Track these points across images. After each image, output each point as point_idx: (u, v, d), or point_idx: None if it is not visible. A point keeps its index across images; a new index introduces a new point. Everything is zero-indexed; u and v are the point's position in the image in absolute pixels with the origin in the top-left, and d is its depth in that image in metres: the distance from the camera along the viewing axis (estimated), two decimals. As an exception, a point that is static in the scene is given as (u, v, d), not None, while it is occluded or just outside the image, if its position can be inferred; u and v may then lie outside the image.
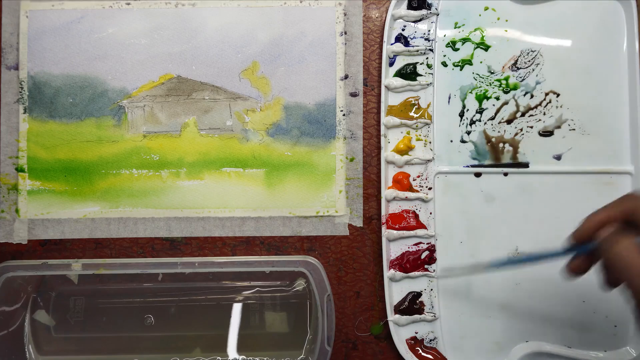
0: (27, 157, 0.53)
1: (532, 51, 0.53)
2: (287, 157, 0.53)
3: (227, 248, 0.53)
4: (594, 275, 0.53)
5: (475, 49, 0.53)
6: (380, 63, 0.53)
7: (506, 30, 0.53)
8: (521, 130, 0.53)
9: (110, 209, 0.53)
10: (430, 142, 0.53)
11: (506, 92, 0.53)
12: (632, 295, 0.36)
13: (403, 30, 0.53)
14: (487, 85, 0.53)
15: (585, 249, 0.40)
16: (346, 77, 0.53)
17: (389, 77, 0.53)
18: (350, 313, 0.53)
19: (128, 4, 0.53)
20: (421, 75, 0.53)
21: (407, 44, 0.53)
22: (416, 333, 0.52)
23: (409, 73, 0.53)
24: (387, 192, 0.52)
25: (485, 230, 0.53)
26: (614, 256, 0.37)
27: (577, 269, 0.41)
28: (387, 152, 0.52)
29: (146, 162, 0.53)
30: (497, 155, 0.53)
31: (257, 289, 0.54)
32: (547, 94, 0.53)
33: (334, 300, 0.50)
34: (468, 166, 0.53)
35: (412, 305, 0.52)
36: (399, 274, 0.52)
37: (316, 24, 0.53)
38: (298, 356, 0.53)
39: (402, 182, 0.52)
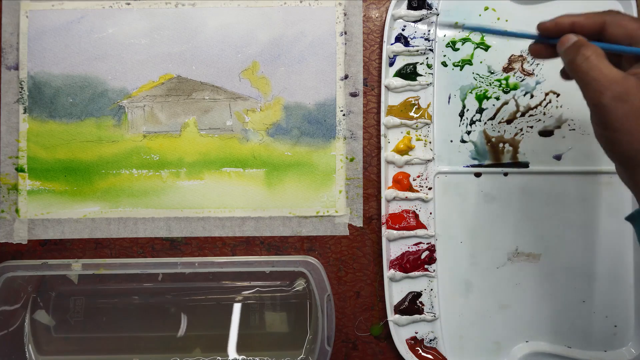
0: (27, 157, 0.53)
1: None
2: (287, 157, 0.53)
3: (227, 248, 0.53)
4: (593, 278, 0.53)
5: (475, 49, 0.53)
6: (380, 63, 0.53)
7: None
8: (521, 130, 0.53)
9: (110, 209, 0.53)
10: (430, 142, 0.53)
11: (506, 92, 0.53)
12: (592, 110, 0.37)
13: (403, 30, 0.53)
14: (487, 85, 0.53)
15: (548, 41, 0.41)
16: (346, 77, 0.53)
17: (389, 77, 0.53)
18: (350, 313, 0.53)
19: (128, 4, 0.53)
20: (421, 75, 0.53)
21: (407, 44, 0.53)
22: (416, 333, 0.52)
23: (409, 73, 0.53)
24: (387, 192, 0.52)
25: (485, 230, 0.53)
26: (576, 67, 0.38)
27: (537, 54, 0.42)
28: (387, 152, 0.52)
29: (146, 162, 0.53)
30: (497, 155, 0.53)
31: (257, 289, 0.54)
32: (547, 94, 0.53)
33: (334, 300, 0.50)
34: (468, 166, 0.53)
35: (412, 305, 0.52)
36: (399, 274, 0.52)
37: (316, 24, 0.53)
38: (298, 356, 0.53)
39: (402, 182, 0.52)
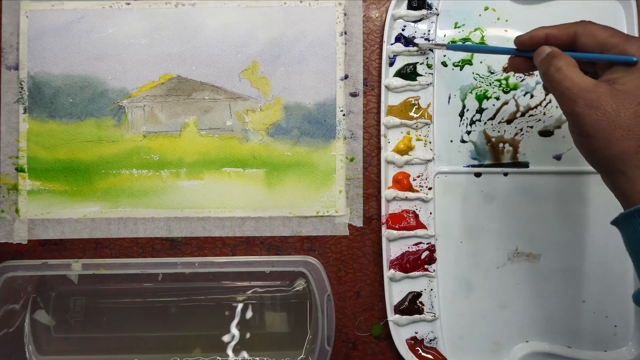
0: (27, 157, 0.53)
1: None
2: (287, 157, 0.53)
3: (227, 248, 0.53)
4: (593, 278, 0.53)
5: (475, 49, 0.53)
6: (380, 63, 0.53)
7: (506, 30, 0.53)
8: (521, 130, 0.53)
9: (110, 209, 0.53)
10: (430, 142, 0.53)
11: (506, 92, 0.53)
12: (568, 119, 0.39)
13: (403, 30, 0.53)
14: (487, 85, 0.53)
15: (525, 54, 0.42)
16: (346, 77, 0.53)
17: (389, 77, 0.53)
18: (350, 313, 0.53)
19: (128, 4, 0.53)
20: (421, 75, 0.53)
21: (407, 44, 0.53)
22: (416, 333, 0.52)
23: (409, 73, 0.53)
24: (387, 192, 0.52)
25: (485, 230, 0.53)
26: (549, 77, 0.39)
27: (516, 67, 0.44)
28: (387, 152, 0.52)
29: (146, 162, 0.53)
30: (497, 155, 0.53)
31: (257, 289, 0.54)
32: (547, 94, 0.53)
33: (334, 300, 0.50)
34: (468, 166, 0.53)
35: (412, 305, 0.52)
36: (399, 274, 0.52)
37: (316, 24, 0.53)
38: (298, 356, 0.53)
39: (402, 182, 0.52)
